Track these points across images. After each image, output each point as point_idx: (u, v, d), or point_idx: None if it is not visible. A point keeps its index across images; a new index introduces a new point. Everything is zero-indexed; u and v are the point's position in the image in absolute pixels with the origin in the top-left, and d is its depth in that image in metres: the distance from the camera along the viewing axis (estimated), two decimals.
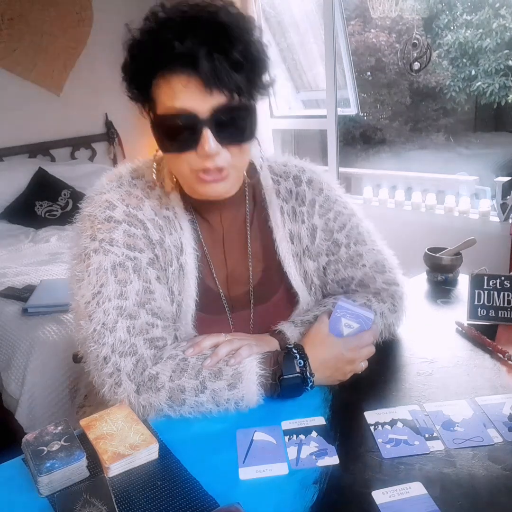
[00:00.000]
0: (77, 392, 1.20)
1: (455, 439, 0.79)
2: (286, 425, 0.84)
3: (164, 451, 0.80)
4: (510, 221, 2.62)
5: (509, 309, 1.12)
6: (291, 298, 1.01)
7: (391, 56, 5.04)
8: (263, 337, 0.95)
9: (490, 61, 4.66)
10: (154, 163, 0.92)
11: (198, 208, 0.95)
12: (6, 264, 2.42)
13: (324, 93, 3.35)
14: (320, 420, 0.85)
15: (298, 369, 0.86)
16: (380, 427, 0.82)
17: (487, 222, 2.78)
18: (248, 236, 0.98)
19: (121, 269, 0.86)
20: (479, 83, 4.72)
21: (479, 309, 1.14)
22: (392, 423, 0.83)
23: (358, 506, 0.68)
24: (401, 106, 5.29)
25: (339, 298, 0.95)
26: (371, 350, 0.94)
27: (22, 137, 3.32)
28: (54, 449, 0.77)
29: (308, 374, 0.87)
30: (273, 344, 0.93)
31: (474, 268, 1.17)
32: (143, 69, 0.79)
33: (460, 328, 1.12)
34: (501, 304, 1.13)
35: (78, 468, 0.75)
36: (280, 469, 0.75)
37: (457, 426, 0.82)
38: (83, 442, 0.79)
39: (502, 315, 1.13)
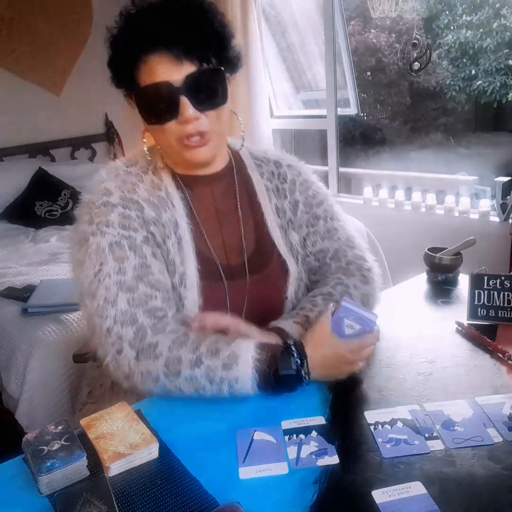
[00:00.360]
0: (80, 390, 1.20)
1: (455, 438, 0.79)
2: (286, 424, 0.84)
3: (164, 450, 0.80)
4: (510, 221, 2.62)
5: (509, 309, 1.12)
6: (282, 269, 1.06)
7: (391, 56, 5.04)
8: (265, 331, 0.96)
9: (490, 60, 4.66)
10: (145, 147, 1.02)
11: (190, 185, 1.04)
12: (6, 264, 2.42)
13: (324, 93, 3.36)
14: (320, 420, 0.85)
15: (294, 367, 0.87)
16: (380, 426, 0.82)
17: (487, 222, 2.78)
18: (239, 209, 1.06)
19: (117, 248, 0.93)
20: (480, 82, 4.72)
21: (479, 309, 1.14)
22: (392, 422, 0.83)
23: (358, 505, 0.68)
24: (401, 106, 5.29)
25: (343, 299, 0.95)
26: (371, 351, 0.94)
27: (22, 137, 3.32)
28: (54, 448, 0.77)
29: (303, 372, 0.87)
30: (273, 338, 0.94)
31: (474, 268, 1.17)
32: (123, 58, 0.92)
33: (460, 328, 1.12)
34: (501, 304, 1.13)
35: (78, 468, 0.75)
36: (280, 469, 0.75)
37: (457, 425, 0.82)
38: (84, 441, 0.79)
39: (502, 315, 1.13)
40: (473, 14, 4.73)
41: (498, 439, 0.79)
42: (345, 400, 0.90)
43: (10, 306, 1.98)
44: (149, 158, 1.02)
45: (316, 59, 3.77)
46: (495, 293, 1.14)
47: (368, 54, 5.14)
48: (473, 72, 4.80)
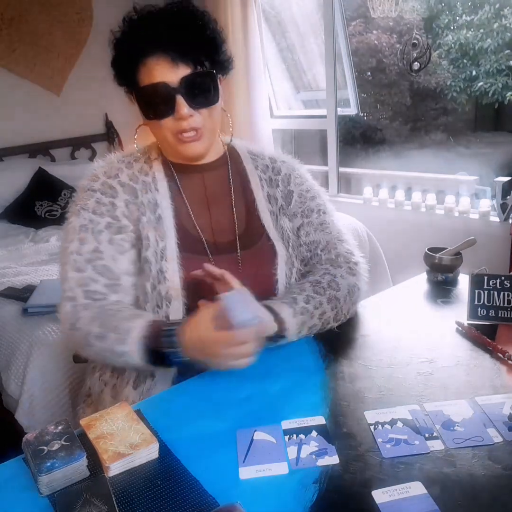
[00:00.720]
0: (83, 386, 1.21)
1: (455, 438, 0.79)
2: (286, 424, 0.84)
3: (164, 450, 0.80)
4: (510, 221, 2.62)
5: (509, 309, 1.12)
6: (271, 251, 1.13)
7: (391, 56, 5.04)
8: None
9: (491, 62, 4.66)
10: (135, 142, 1.14)
11: (182, 172, 1.14)
12: (6, 264, 2.42)
13: (324, 93, 3.36)
14: (320, 420, 0.85)
15: (171, 346, 0.93)
16: (380, 426, 0.82)
17: (487, 222, 2.78)
18: (232, 194, 1.15)
19: (84, 230, 1.06)
20: (481, 83, 4.71)
21: (479, 309, 1.14)
22: (392, 422, 0.83)
23: (358, 505, 0.68)
24: (401, 106, 5.29)
25: (235, 290, 0.94)
26: (248, 349, 0.89)
27: (22, 137, 3.31)
28: (54, 448, 0.77)
29: (179, 351, 0.93)
30: (263, 312, 0.95)
31: (474, 268, 1.17)
32: (126, 60, 1.02)
33: (460, 328, 1.12)
34: (501, 304, 1.13)
35: (78, 468, 0.75)
36: (280, 469, 0.75)
37: (457, 425, 0.82)
38: (83, 441, 0.79)
39: (502, 315, 1.13)
40: (473, 14, 4.73)
41: (498, 439, 0.79)
42: (345, 400, 0.90)
43: (10, 306, 1.98)
44: (137, 151, 1.14)
45: (316, 59, 3.77)
46: (495, 293, 1.14)
47: (369, 55, 5.13)
48: (473, 73, 4.80)
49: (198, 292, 1.02)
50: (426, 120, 5.27)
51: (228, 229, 1.13)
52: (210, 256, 1.09)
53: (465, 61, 4.85)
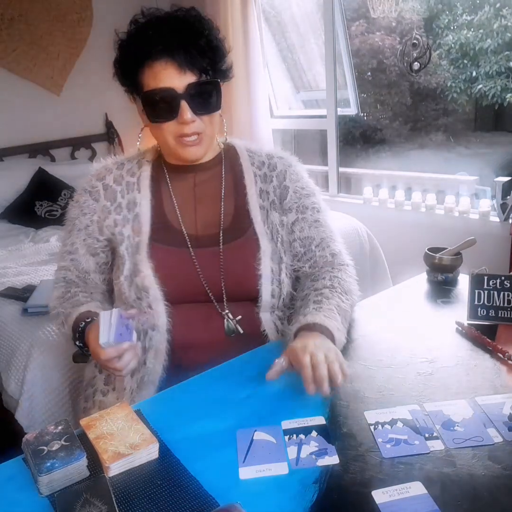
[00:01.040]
0: (88, 384, 1.22)
1: (455, 438, 0.79)
2: (286, 424, 0.84)
3: (164, 450, 0.80)
4: (510, 221, 2.62)
5: (509, 309, 1.12)
6: (255, 244, 1.14)
7: (392, 57, 5.03)
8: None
9: (491, 63, 4.65)
10: (138, 142, 1.20)
11: (175, 171, 1.18)
12: (6, 264, 2.42)
13: (324, 93, 3.35)
14: (320, 420, 0.85)
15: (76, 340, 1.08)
16: (380, 426, 0.82)
17: (487, 222, 2.78)
18: (222, 191, 1.18)
19: (71, 223, 1.19)
20: (480, 86, 4.71)
21: (479, 309, 1.14)
22: (392, 422, 0.83)
23: (358, 505, 0.68)
24: (402, 107, 5.28)
25: (109, 311, 0.96)
26: (112, 365, 0.95)
27: (22, 137, 3.31)
28: (54, 448, 0.77)
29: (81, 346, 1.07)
30: (316, 336, 0.97)
31: (474, 268, 1.17)
32: (131, 61, 1.04)
33: (460, 328, 1.12)
34: (501, 304, 1.13)
35: (78, 468, 0.75)
36: (280, 469, 0.75)
37: (457, 425, 0.82)
38: (83, 441, 0.79)
39: (502, 315, 1.13)
40: (474, 14, 4.72)
41: (498, 439, 0.79)
42: (345, 400, 0.90)
43: (10, 306, 1.98)
44: (140, 150, 1.21)
45: (316, 59, 3.77)
46: (495, 293, 1.14)
47: (370, 55, 5.13)
48: (473, 73, 4.79)
49: (174, 279, 1.11)
50: (426, 120, 5.26)
51: (213, 223, 1.16)
52: (191, 249, 1.13)
53: (465, 61, 4.85)
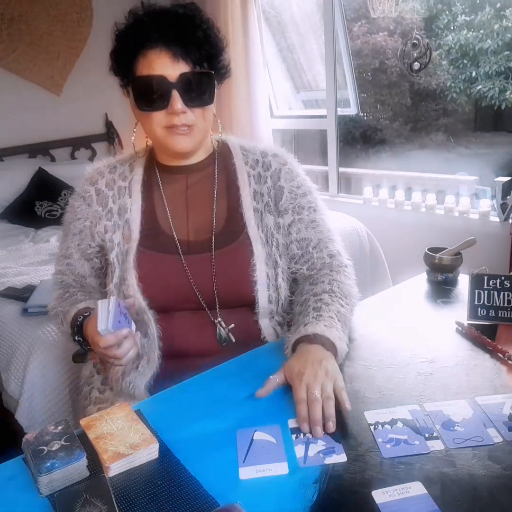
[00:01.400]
0: (85, 382, 1.22)
1: (455, 438, 0.79)
2: (293, 423, 0.84)
3: (164, 450, 0.80)
4: (510, 221, 2.62)
5: (509, 309, 1.12)
6: (246, 249, 1.11)
7: (393, 58, 5.04)
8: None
9: (490, 63, 4.65)
10: (134, 133, 1.17)
11: (167, 172, 1.16)
12: (6, 264, 2.42)
13: (324, 93, 3.36)
14: None
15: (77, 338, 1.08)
16: (380, 426, 0.82)
17: (487, 222, 2.78)
18: (215, 193, 1.15)
19: (66, 228, 1.19)
20: (480, 86, 4.71)
21: (479, 309, 1.14)
22: (392, 422, 0.83)
23: (358, 505, 0.68)
24: (402, 107, 5.28)
25: (106, 299, 0.96)
26: (112, 353, 0.95)
27: (22, 137, 3.32)
28: (54, 448, 0.77)
29: (80, 340, 1.08)
30: (318, 349, 0.95)
31: (474, 268, 1.17)
32: (126, 49, 1.03)
33: (460, 328, 1.12)
34: (501, 304, 1.13)
35: (78, 468, 0.75)
36: (280, 469, 0.75)
37: (457, 426, 0.82)
38: (83, 441, 0.79)
39: (502, 315, 1.13)
40: (473, 14, 4.72)
41: (498, 439, 0.79)
42: None
43: (10, 306, 1.98)
44: (134, 146, 1.19)
45: (316, 59, 3.77)
46: (495, 293, 1.14)
47: (372, 56, 5.13)
48: (473, 74, 4.79)
49: (163, 286, 1.10)
50: (426, 121, 5.26)
51: (205, 228, 1.13)
52: (182, 256, 1.10)
53: (465, 61, 4.85)
